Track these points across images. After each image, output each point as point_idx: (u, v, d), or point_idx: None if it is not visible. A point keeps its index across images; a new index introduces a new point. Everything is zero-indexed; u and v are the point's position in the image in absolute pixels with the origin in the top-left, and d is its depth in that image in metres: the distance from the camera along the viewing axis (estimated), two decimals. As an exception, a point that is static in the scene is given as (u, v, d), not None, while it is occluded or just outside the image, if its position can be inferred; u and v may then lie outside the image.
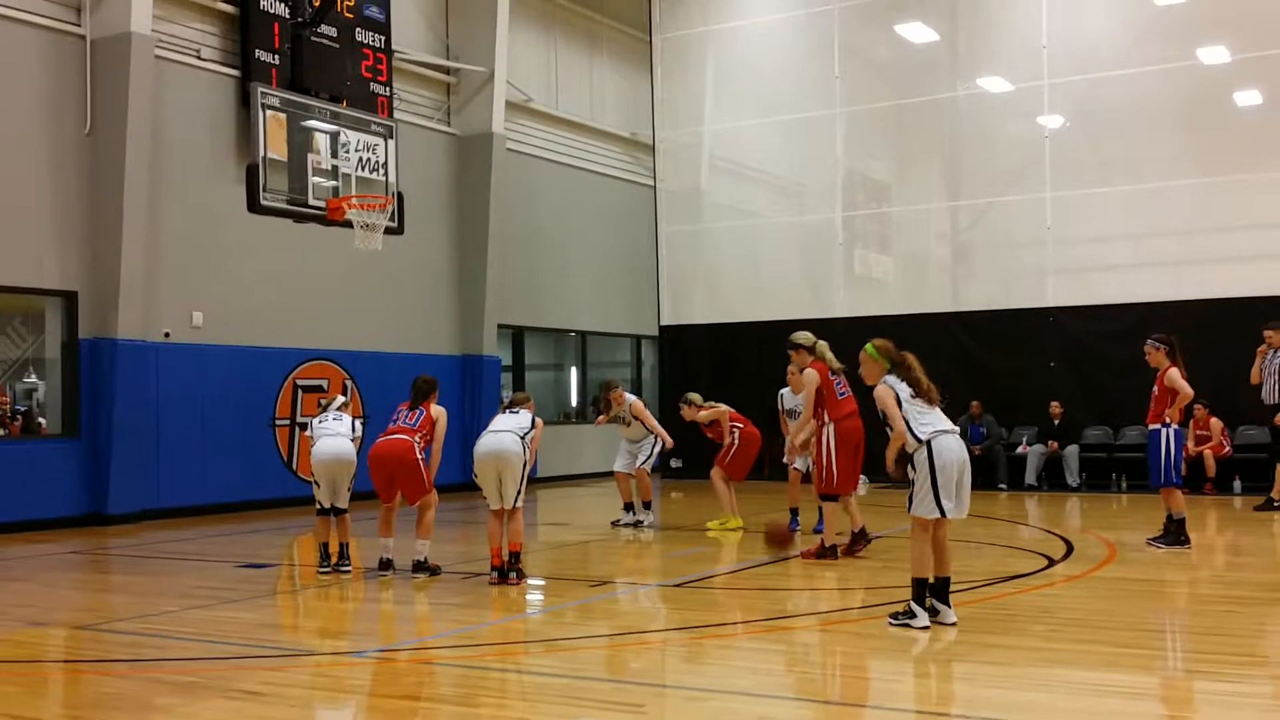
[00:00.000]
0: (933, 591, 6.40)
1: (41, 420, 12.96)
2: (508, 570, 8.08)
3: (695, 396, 11.60)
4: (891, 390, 6.47)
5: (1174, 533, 9.32)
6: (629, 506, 11.69)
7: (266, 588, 8.62)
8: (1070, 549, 9.51)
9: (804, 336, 9.54)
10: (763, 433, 11.28)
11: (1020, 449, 15.83)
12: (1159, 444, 9.21)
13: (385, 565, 8.57)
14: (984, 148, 16.77)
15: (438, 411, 8.63)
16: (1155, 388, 9.29)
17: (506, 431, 8.09)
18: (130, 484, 12.76)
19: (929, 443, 6.30)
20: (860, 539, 9.23)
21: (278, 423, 14.55)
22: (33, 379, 13.30)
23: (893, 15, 17.21)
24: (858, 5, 17.39)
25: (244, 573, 9.15)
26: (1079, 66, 15.77)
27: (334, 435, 8.74)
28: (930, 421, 6.39)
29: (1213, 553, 9.94)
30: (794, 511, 10.94)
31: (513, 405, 8.46)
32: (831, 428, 9.03)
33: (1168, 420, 9.17)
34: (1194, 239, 15.24)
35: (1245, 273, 14.77)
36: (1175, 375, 9.11)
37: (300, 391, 14.84)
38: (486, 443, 8.08)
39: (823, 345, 9.38)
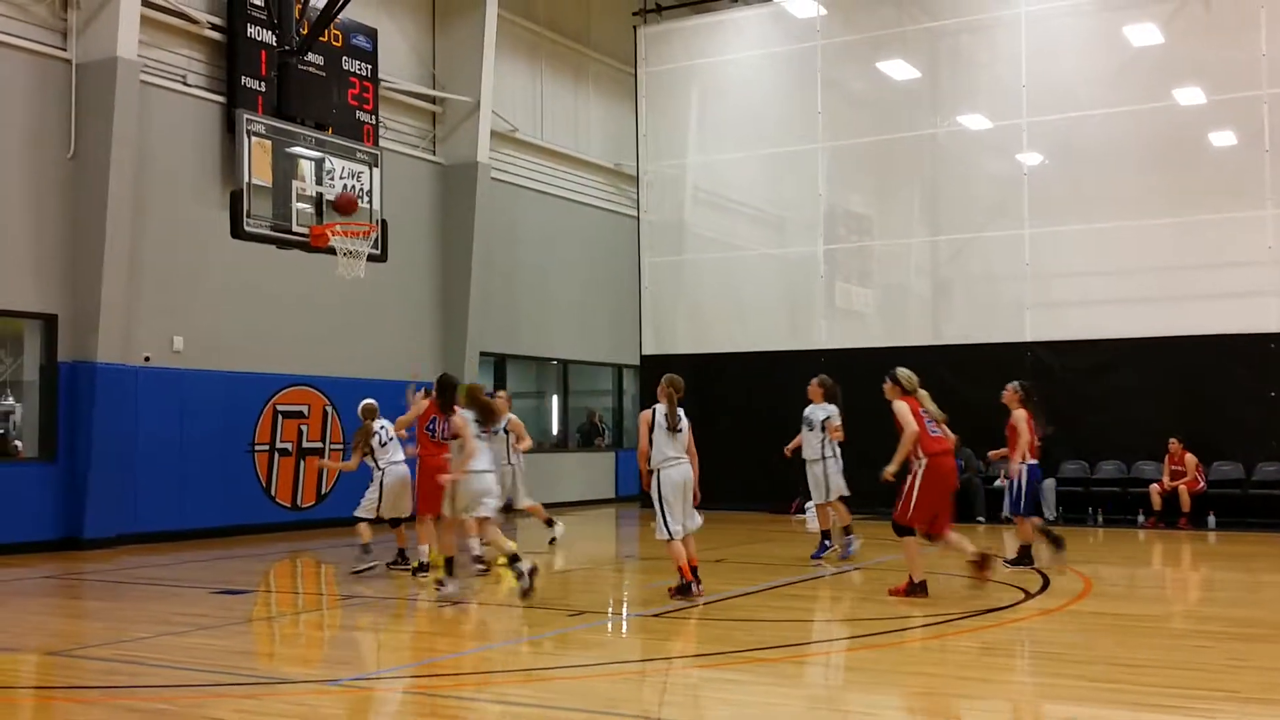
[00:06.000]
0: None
1: (18, 443, 12.87)
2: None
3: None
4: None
5: (1023, 558, 10.22)
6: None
7: (242, 614, 8.56)
8: (1046, 582, 9.55)
9: (905, 375, 9.03)
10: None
11: (998, 482, 15.89)
12: (1019, 478, 10.34)
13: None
14: (963, 184, 16.96)
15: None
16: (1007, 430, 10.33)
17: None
18: (107, 508, 12.67)
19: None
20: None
21: (257, 448, 14.48)
22: (10, 401, 13.20)
23: (875, 53, 17.43)
24: (840, 42, 17.62)
25: (220, 599, 9.09)
26: (1057, 106, 15.99)
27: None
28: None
29: (1187, 588, 10.02)
30: (825, 533, 11.12)
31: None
32: (924, 463, 8.63)
33: (1025, 457, 10.26)
34: (1169, 276, 15.43)
35: (1218, 309, 14.95)
36: (1021, 417, 10.21)
37: (280, 417, 14.79)
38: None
39: (924, 394, 9.04)
